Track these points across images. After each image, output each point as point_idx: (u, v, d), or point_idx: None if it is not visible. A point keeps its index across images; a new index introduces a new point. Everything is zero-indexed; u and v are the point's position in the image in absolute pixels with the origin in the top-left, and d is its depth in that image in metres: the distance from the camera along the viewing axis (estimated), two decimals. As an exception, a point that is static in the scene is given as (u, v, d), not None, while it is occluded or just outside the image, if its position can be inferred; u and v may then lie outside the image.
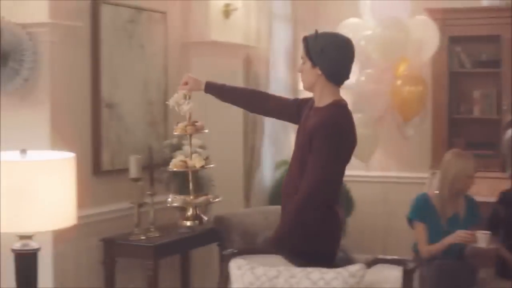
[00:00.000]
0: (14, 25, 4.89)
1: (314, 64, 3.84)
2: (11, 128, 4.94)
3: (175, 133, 4.20)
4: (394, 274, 3.52)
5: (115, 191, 5.47)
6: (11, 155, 3.56)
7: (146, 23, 5.81)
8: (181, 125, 4.18)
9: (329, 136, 3.73)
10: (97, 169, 5.38)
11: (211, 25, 6.39)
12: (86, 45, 5.30)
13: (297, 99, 4.22)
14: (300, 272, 3.44)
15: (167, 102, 4.23)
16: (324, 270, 3.43)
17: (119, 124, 5.52)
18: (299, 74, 4.06)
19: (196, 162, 4.10)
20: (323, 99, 3.89)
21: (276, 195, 7.11)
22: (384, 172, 7.68)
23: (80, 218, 4.99)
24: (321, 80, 3.86)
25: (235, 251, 3.66)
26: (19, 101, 4.97)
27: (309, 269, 3.47)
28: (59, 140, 4.89)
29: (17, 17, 4.90)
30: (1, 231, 3.50)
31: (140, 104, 5.77)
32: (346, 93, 7.27)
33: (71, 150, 4.84)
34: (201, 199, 4.10)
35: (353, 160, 7.27)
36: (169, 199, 4.12)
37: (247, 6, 6.81)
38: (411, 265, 3.56)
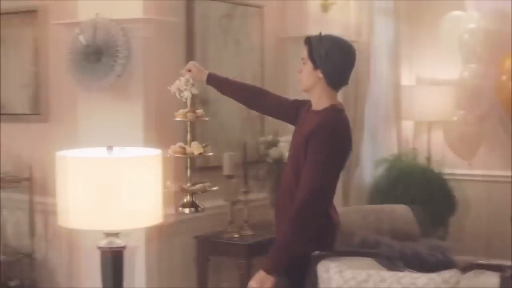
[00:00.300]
0: (109, 21, 4.89)
1: (315, 67, 3.76)
2: (104, 124, 4.95)
3: (176, 119, 4.15)
4: (491, 280, 3.33)
5: (211, 187, 5.41)
6: (99, 152, 3.53)
7: (242, 18, 5.74)
8: (181, 111, 4.11)
9: (326, 141, 3.64)
10: (191, 166, 5.32)
11: (309, 20, 6.28)
12: (180, 40, 5.26)
13: (296, 100, 4.11)
14: (391, 277, 3.30)
15: (168, 88, 4.18)
16: (416, 275, 3.28)
17: (213, 120, 5.44)
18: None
19: (195, 149, 4.03)
20: (321, 103, 3.81)
21: (376, 194, 6.97)
22: (488, 171, 7.38)
23: (174, 215, 5.02)
24: (321, 83, 3.78)
25: (323, 253, 3.54)
26: (112, 97, 4.97)
27: (400, 274, 3.32)
28: (152, 137, 4.87)
29: (111, 13, 4.91)
30: (88, 228, 3.48)
31: (236, 100, 5.70)
32: (448, 89, 7.16)
33: (164, 147, 4.87)
34: (198, 186, 4.04)
35: (456, 159, 7.20)
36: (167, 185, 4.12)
37: (347, 0, 6.66)
38: (510, 272, 3.35)
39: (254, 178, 5.56)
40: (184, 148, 4.01)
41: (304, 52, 3.83)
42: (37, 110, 5.59)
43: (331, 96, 3.81)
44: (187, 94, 4.04)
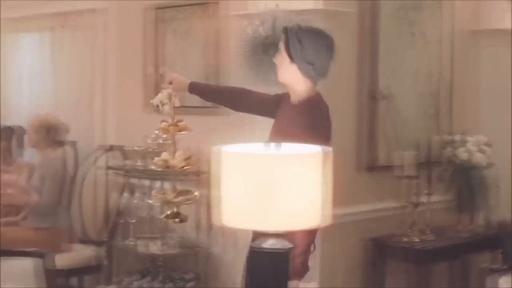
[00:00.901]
0: (288, 13, 4.75)
1: (292, 60, 3.66)
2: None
3: (157, 132, 3.92)
4: None
5: (390, 188, 5.17)
6: (261, 148, 3.36)
7: (430, 10, 5.45)
8: (164, 124, 3.88)
9: (310, 134, 3.48)
10: (371, 165, 5.12)
11: (505, 11, 5.87)
12: (362, 32, 5.03)
13: (277, 94, 4.01)
14: None
15: (151, 101, 4.03)
16: None
17: (396, 117, 5.22)
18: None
19: (177, 162, 3.78)
20: (298, 96, 3.74)
21: None
22: None
23: (351, 215, 4.85)
24: (298, 77, 3.69)
25: (504, 267, 3.21)
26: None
27: None
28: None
29: (290, 4, 4.76)
30: (247, 228, 3.31)
31: (420, 96, 5.43)
32: None
33: (342, 144, 4.67)
34: (180, 198, 3.83)
35: None
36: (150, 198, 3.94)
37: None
38: None
39: (440, 180, 5.24)
40: (166, 161, 3.82)
41: (281, 43, 3.74)
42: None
43: (308, 89, 3.73)
44: (167, 108, 3.88)
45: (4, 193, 6.36)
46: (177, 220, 3.88)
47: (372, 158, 5.12)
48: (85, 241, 6.30)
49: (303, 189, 3.16)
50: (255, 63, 4.90)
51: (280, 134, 3.74)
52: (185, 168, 3.84)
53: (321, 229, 4.23)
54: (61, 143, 6.22)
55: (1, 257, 3.49)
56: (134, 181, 5.85)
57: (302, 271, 3.69)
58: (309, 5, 4.73)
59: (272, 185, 3.12)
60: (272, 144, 3.30)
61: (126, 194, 5.89)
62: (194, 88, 4.24)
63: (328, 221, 3.30)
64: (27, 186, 6.02)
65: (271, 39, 4.80)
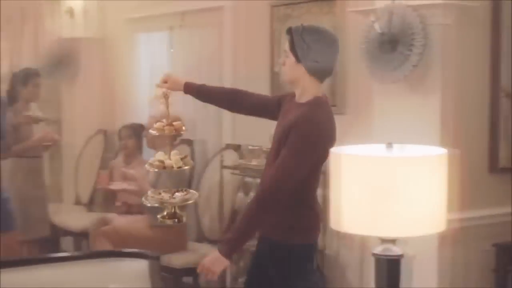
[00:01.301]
0: (405, 7, 4.59)
1: (297, 60, 3.68)
2: (398, 118, 4.66)
3: (152, 132, 3.84)
4: None
5: (512, 191, 4.94)
6: (376, 149, 3.22)
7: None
8: (159, 124, 3.76)
9: (305, 133, 3.61)
10: (493, 166, 4.89)
11: None
12: (485, 27, 4.82)
13: (277, 95, 4.07)
14: None
15: (148, 100, 3.76)
16: None
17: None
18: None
19: (174, 162, 3.67)
20: (304, 95, 3.75)
21: None
22: None
23: (472, 219, 4.65)
24: (304, 76, 3.71)
25: None
26: (407, 89, 4.66)
27: None
28: (449, 134, 4.50)
29: (408, -1, 4.61)
30: (361, 233, 3.19)
31: (547, 94, 5.14)
32: None
33: (462, 145, 4.48)
34: (177, 199, 3.71)
35: None
36: (143, 198, 3.81)
37: None
38: None
39: None
40: (163, 162, 3.66)
41: (286, 43, 3.74)
42: (333, 102, 5.41)
43: (315, 88, 3.75)
44: (161, 108, 3.79)
45: (122, 189, 6.45)
46: (175, 220, 3.82)
47: (494, 160, 4.89)
48: (200, 239, 6.31)
49: (418, 193, 3.02)
50: (371, 60, 4.76)
51: (282, 132, 3.73)
52: (182, 168, 3.78)
53: (441, 234, 4.11)
54: (177, 143, 6.25)
55: (108, 258, 3.49)
56: (249, 180, 5.81)
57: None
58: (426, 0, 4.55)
59: (384, 189, 3.00)
60: (388, 146, 3.17)
61: (240, 194, 5.85)
62: (189, 89, 4.17)
63: (444, 226, 3.15)
64: (144, 181, 6.08)
65: (387, 36, 4.65)
